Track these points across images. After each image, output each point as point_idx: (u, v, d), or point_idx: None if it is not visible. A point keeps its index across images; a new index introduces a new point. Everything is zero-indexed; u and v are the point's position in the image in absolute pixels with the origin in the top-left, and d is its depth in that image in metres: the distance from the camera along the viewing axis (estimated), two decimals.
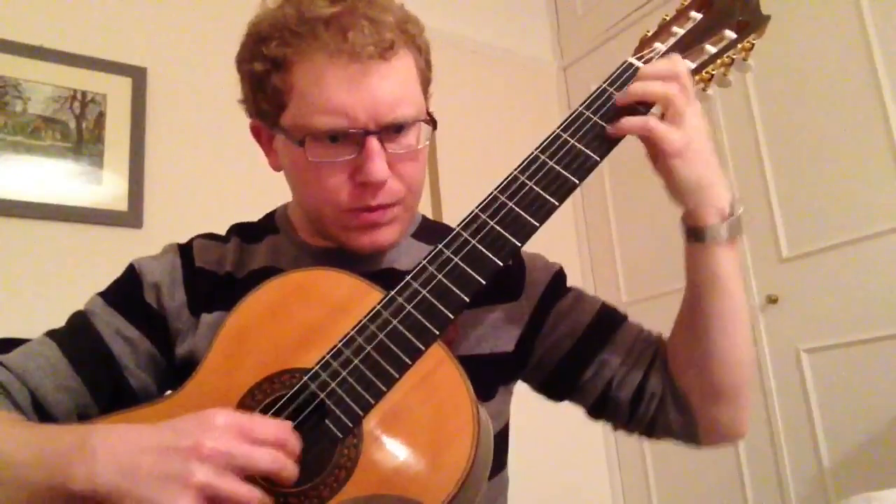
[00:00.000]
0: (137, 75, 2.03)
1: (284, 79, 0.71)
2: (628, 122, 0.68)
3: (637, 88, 0.69)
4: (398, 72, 0.71)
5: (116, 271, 0.82)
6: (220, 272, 0.82)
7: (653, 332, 0.83)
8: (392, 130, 0.71)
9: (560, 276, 0.88)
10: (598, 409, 0.82)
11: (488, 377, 0.80)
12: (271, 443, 0.56)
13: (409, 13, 0.76)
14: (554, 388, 0.85)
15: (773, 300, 2.20)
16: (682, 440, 0.80)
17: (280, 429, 0.57)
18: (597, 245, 2.83)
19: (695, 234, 0.72)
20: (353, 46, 0.68)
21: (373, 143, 0.70)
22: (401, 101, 0.71)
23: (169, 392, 0.71)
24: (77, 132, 1.91)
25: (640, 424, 0.80)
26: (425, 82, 0.78)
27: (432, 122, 0.76)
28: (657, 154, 0.69)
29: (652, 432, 0.80)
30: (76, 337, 0.76)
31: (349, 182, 0.72)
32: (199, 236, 0.86)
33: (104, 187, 1.92)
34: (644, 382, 0.78)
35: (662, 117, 0.69)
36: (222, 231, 0.88)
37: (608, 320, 0.83)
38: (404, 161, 0.74)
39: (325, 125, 0.69)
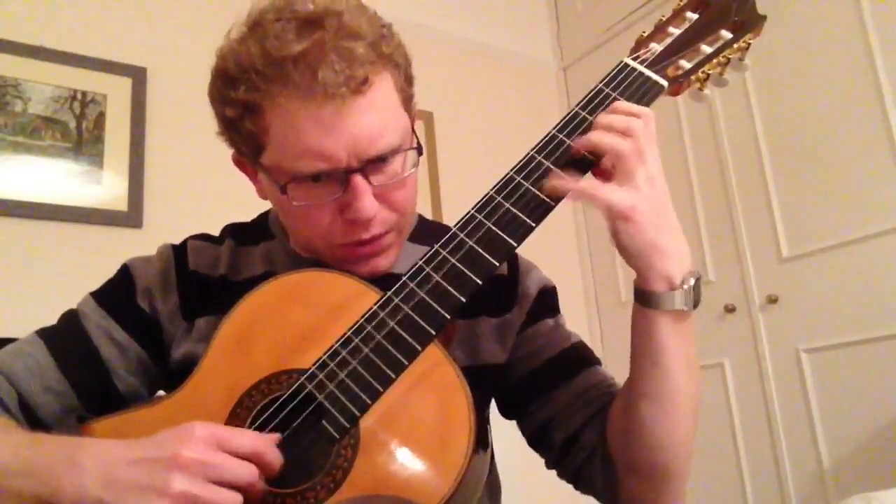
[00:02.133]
0: (137, 75, 2.03)
1: (258, 123, 0.68)
2: (563, 185, 0.64)
3: (586, 140, 0.65)
4: (376, 103, 0.68)
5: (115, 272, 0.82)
6: (214, 275, 0.81)
7: (618, 385, 0.78)
8: (377, 162, 0.69)
9: (550, 294, 0.87)
10: (535, 442, 0.81)
11: (485, 388, 0.80)
12: (248, 455, 0.56)
13: (384, 27, 0.71)
14: (503, 405, 0.84)
15: (773, 300, 2.20)
16: (603, 502, 0.77)
17: (258, 442, 0.57)
18: (597, 245, 2.84)
19: (639, 297, 0.66)
20: (325, 87, 0.64)
21: (357, 180, 0.68)
22: (382, 132, 0.68)
23: (167, 393, 0.71)
24: (77, 132, 1.92)
25: (567, 472, 0.78)
26: (407, 100, 0.74)
27: (418, 149, 0.73)
28: (604, 214, 0.64)
29: (577, 483, 0.78)
30: (65, 338, 0.76)
31: (338, 219, 0.70)
32: (192, 237, 0.85)
33: (104, 187, 1.92)
34: (578, 432, 0.76)
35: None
36: (218, 232, 0.88)
37: (574, 361, 0.80)
38: (392, 190, 0.71)
39: (305, 169, 0.67)
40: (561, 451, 0.77)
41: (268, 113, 0.67)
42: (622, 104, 0.68)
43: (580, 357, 0.82)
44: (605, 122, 0.65)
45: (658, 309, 0.65)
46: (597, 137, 0.65)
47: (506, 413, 0.85)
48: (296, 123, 0.66)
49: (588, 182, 0.65)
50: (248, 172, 0.79)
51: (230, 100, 0.69)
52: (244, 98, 0.67)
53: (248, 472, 0.55)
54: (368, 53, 0.67)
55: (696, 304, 0.65)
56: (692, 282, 0.64)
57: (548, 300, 0.86)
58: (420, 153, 0.74)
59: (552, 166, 0.66)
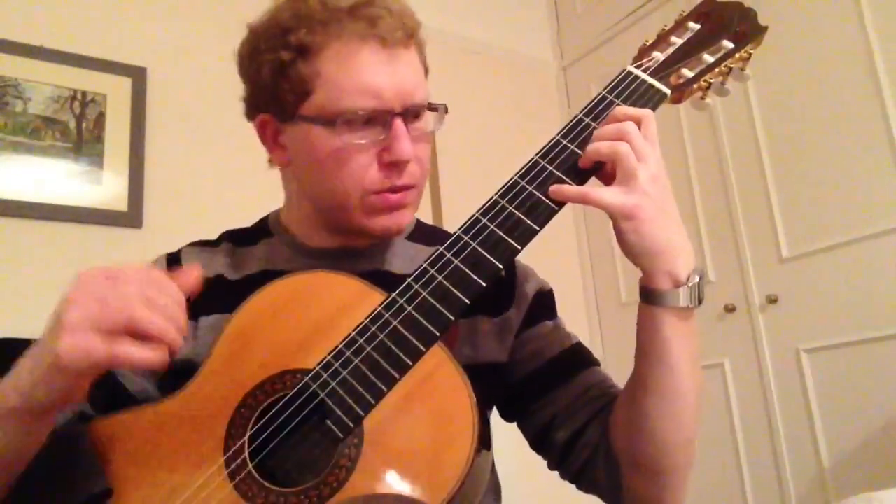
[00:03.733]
0: (137, 75, 2.03)
1: (311, 65, 0.73)
2: (565, 190, 0.66)
3: (589, 150, 0.67)
4: (415, 59, 0.77)
5: None
6: (210, 275, 0.82)
7: (617, 385, 0.80)
8: (412, 114, 0.75)
9: (547, 296, 0.88)
10: (537, 443, 0.81)
11: (486, 387, 0.81)
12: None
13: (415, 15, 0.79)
14: (504, 407, 0.85)
15: (773, 300, 2.21)
16: (606, 501, 0.77)
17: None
18: (597, 245, 2.83)
19: (644, 295, 0.68)
20: (383, 32, 0.72)
21: (399, 123, 0.73)
22: (419, 86, 0.76)
23: (171, 393, 0.71)
24: (77, 132, 1.92)
25: (569, 471, 0.78)
26: (426, 73, 0.81)
27: (444, 109, 0.79)
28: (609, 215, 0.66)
29: (579, 483, 0.78)
30: None
31: (375, 163, 0.74)
32: (188, 245, 0.87)
33: (104, 187, 1.92)
34: (582, 430, 0.77)
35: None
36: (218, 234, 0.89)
37: (574, 361, 0.82)
38: (421, 143, 0.77)
39: (357, 105, 0.72)
40: (563, 450, 0.78)
41: (324, 54, 0.72)
42: (621, 108, 0.69)
43: (580, 357, 0.83)
44: (600, 132, 0.67)
45: (663, 306, 0.66)
46: (594, 147, 0.66)
47: (507, 415, 0.85)
48: (354, 62, 0.72)
49: (589, 186, 0.66)
50: (269, 137, 0.81)
51: (286, 44, 0.73)
52: (302, 40, 0.72)
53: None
54: (410, 20, 0.76)
55: (699, 302, 0.66)
56: (696, 279, 0.65)
57: (546, 302, 0.87)
58: (445, 112, 0.80)
59: (556, 171, 0.67)
